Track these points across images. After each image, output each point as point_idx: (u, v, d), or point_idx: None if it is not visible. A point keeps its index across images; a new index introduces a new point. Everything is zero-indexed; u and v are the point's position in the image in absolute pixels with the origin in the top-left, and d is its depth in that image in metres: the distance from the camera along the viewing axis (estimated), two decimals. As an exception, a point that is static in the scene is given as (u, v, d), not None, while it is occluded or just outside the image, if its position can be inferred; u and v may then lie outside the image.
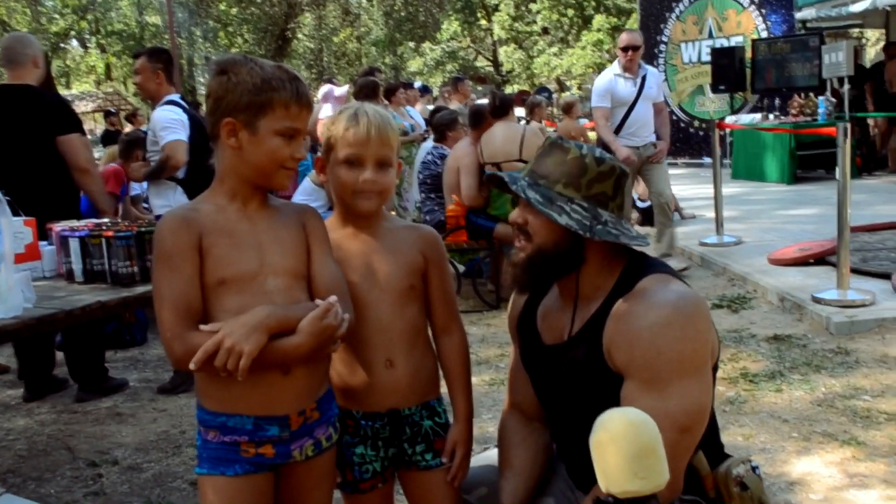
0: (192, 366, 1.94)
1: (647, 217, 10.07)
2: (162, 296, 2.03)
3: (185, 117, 5.36)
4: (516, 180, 2.16)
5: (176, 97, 5.51)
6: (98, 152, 11.25)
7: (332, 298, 2.04)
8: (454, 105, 11.02)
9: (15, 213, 3.55)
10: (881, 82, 14.03)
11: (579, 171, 2.11)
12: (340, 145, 2.27)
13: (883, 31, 18.83)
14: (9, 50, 5.29)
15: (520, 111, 14.13)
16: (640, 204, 10.13)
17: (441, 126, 8.11)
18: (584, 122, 15.90)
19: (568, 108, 13.43)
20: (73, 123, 5.27)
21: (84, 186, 5.27)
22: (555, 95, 27.28)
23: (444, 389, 2.50)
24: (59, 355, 5.76)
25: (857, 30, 25.22)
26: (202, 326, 1.99)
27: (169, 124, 5.28)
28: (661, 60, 17.57)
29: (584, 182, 2.10)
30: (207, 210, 2.12)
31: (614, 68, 8.09)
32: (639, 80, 7.90)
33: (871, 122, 14.92)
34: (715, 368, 2.10)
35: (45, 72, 5.39)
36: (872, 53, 25.10)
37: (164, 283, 2.03)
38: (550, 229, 2.09)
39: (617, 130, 7.83)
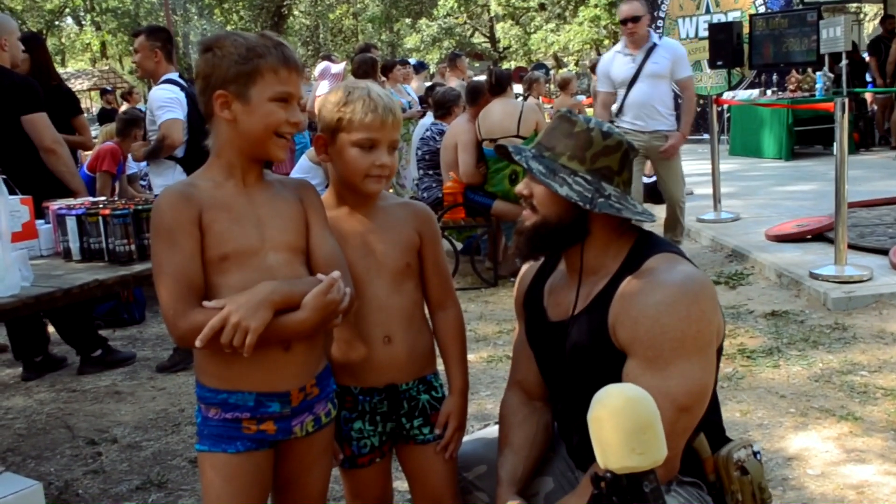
0: (198, 343, 1.94)
1: (650, 193, 10.04)
2: (162, 272, 2.02)
3: (181, 96, 5.31)
4: (521, 151, 2.17)
5: (174, 75, 5.45)
6: (94, 130, 11.22)
7: (336, 274, 2.04)
8: (453, 82, 10.99)
9: (11, 192, 3.54)
10: (885, 56, 13.93)
11: (585, 144, 2.11)
12: (356, 128, 2.25)
13: (881, 5, 18.76)
14: None
15: (517, 87, 14.10)
16: (644, 179, 10.09)
17: (447, 102, 8.07)
18: (582, 98, 15.86)
19: (564, 85, 13.40)
20: (37, 103, 5.12)
21: (51, 166, 5.12)
22: (552, 72, 27.22)
23: (441, 368, 2.51)
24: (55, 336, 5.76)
25: (854, 4, 25.16)
26: (205, 303, 1.99)
27: (165, 103, 5.24)
28: (658, 36, 17.50)
29: (588, 155, 2.11)
30: (205, 186, 2.11)
31: (618, 45, 7.25)
32: (641, 56, 6.94)
33: (868, 97, 14.89)
34: (719, 350, 2.10)
35: (14, 54, 5.28)
36: (871, 28, 25.05)
37: (165, 259, 2.02)
38: (554, 201, 2.10)
39: (619, 114, 7.05)
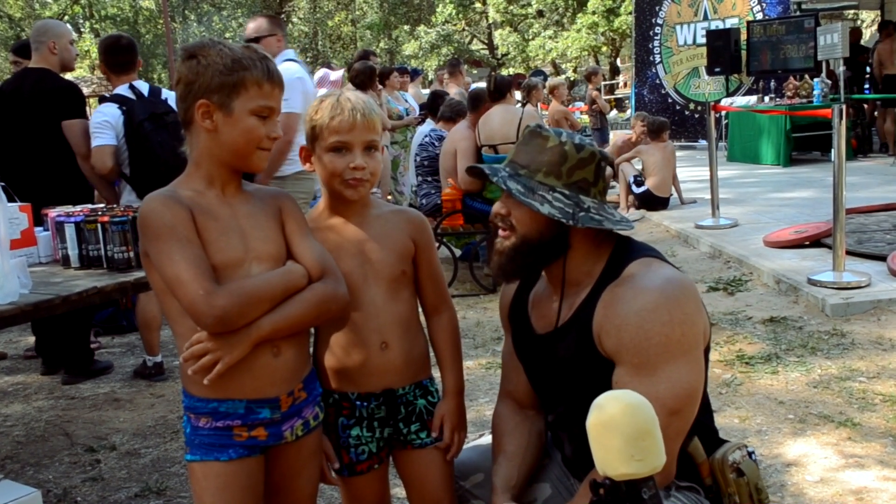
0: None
1: (643, 201, 10.08)
2: (177, 264, 1.95)
3: (115, 115, 5.14)
4: (497, 172, 2.15)
5: (120, 90, 5.29)
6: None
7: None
8: (453, 89, 11.00)
9: (10, 199, 3.54)
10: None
11: (559, 159, 2.10)
12: (327, 133, 2.28)
13: (878, 11, 18.80)
14: (31, 38, 5.48)
15: (516, 94, 14.12)
16: (635, 189, 10.13)
17: (453, 111, 8.07)
18: (581, 105, 15.88)
19: (552, 91, 13.44)
20: (78, 108, 5.30)
21: (85, 172, 5.29)
22: (549, 78, 27.24)
23: (437, 374, 2.51)
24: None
25: (851, 11, 25.22)
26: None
27: (95, 129, 5.16)
28: (656, 43, 17.55)
29: (564, 170, 2.10)
30: (188, 195, 2.09)
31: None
32: None
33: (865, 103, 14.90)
34: (707, 351, 2.10)
35: (65, 57, 5.45)
36: (868, 35, 25.09)
37: (177, 254, 1.96)
38: (533, 219, 2.09)
39: None
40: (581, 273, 2.15)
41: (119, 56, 5.31)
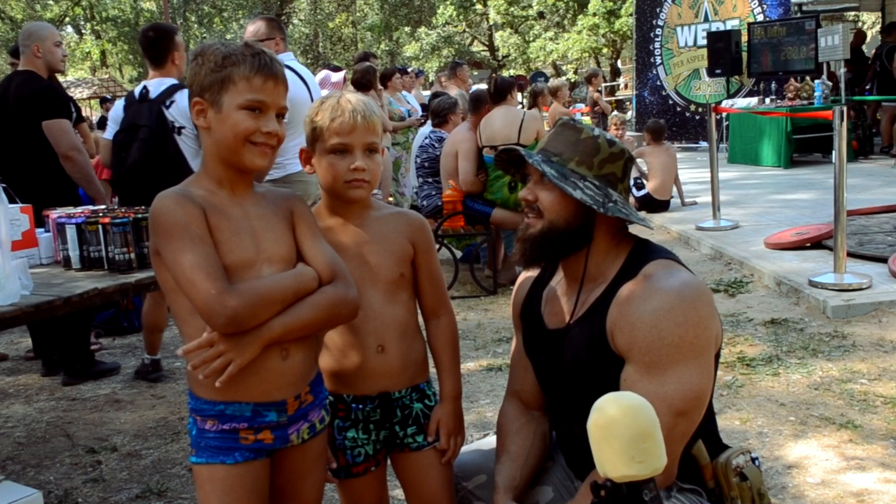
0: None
1: (643, 205, 10.08)
2: (189, 263, 1.92)
3: (117, 111, 5.23)
4: (531, 156, 2.18)
5: (136, 89, 5.32)
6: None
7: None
8: (453, 91, 11.01)
9: (11, 200, 3.54)
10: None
11: (592, 150, 2.14)
12: (327, 135, 2.28)
13: (878, 13, 18.81)
14: (19, 42, 5.56)
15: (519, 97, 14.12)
16: (635, 192, 10.13)
17: (443, 111, 8.08)
18: (581, 106, 15.88)
19: (554, 92, 13.45)
20: (58, 109, 5.28)
21: (69, 173, 5.28)
22: (551, 80, 27.27)
23: (434, 376, 2.51)
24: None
25: (852, 13, 25.22)
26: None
27: (108, 122, 5.29)
28: (656, 44, 17.54)
29: (596, 161, 2.14)
30: (201, 194, 2.08)
31: None
32: None
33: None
34: (717, 356, 2.10)
35: (49, 59, 5.45)
36: (869, 37, 25.10)
37: (190, 252, 1.94)
38: (563, 205, 2.12)
39: None
40: (599, 270, 2.17)
41: (144, 53, 5.34)
